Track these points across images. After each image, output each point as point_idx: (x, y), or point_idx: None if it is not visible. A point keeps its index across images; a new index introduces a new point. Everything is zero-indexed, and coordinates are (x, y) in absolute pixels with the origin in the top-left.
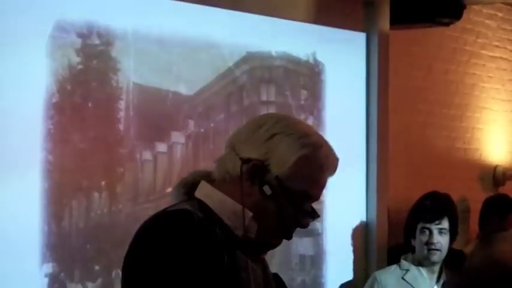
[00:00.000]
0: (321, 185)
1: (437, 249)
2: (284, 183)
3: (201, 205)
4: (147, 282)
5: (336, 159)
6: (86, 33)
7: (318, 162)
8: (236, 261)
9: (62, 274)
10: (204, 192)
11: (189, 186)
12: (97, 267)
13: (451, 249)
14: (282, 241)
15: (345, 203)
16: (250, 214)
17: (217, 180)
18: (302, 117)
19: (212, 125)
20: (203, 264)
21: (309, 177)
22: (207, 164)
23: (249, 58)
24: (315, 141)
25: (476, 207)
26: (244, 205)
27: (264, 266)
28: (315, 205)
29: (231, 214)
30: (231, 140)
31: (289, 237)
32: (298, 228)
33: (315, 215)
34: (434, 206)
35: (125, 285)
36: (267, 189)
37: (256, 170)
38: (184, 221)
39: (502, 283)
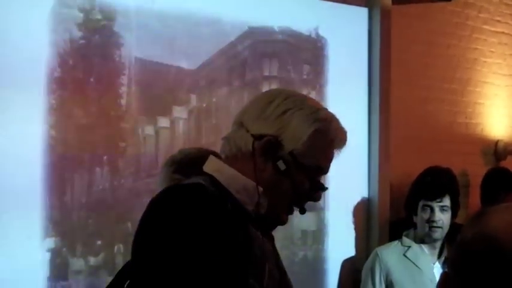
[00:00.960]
0: (331, 159)
1: (439, 227)
2: (298, 158)
3: (212, 180)
4: (163, 255)
5: (345, 133)
6: (88, 8)
7: (329, 136)
8: (249, 235)
9: (64, 249)
10: (214, 167)
11: (178, 164)
12: (99, 242)
13: (453, 224)
14: (288, 218)
15: (347, 178)
16: (261, 189)
17: (227, 157)
18: (304, 92)
19: (214, 99)
20: (218, 236)
21: (321, 151)
22: (209, 139)
23: (251, 33)
24: (325, 116)
25: (477, 181)
26: (257, 181)
27: (273, 241)
28: None
29: (242, 189)
30: (240, 117)
31: (303, 211)
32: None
33: (324, 187)
34: (435, 183)
35: (138, 258)
36: (281, 165)
37: (270, 146)
38: (198, 194)
39: (493, 256)
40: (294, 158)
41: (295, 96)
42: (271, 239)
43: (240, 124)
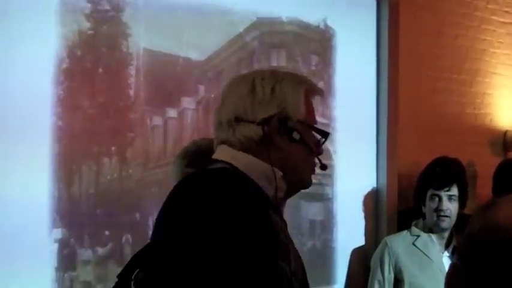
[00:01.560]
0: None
1: (447, 216)
2: (305, 122)
3: (232, 166)
4: (195, 239)
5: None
6: None
7: (314, 90)
8: (272, 219)
9: (72, 239)
10: (230, 155)
11: (191, 157)
12: (107, 233)
13: (462, 215)
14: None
15: (355, 168)
16: (280, 174)
17: (239, 149)
18: None
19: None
20: (248, 220)
21: (313, 108)
22: None
23: (260, 23)
24: (301, 76)
25: (486, 172)
26: (276, 161)
27: (286, 226)
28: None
29: (261, 175)
30: (232, 113)
31: (324, 167)
32: (308, 194)
33: (327, 133)
34: (443, 172)
35: (164, 242)
36: (296, 135)
37: (280, 123)
38: (225, 178)
39: (502, 246)
40: (302, 124)
41: (267, 72)
42: (285, 223)
43: (236, 120)
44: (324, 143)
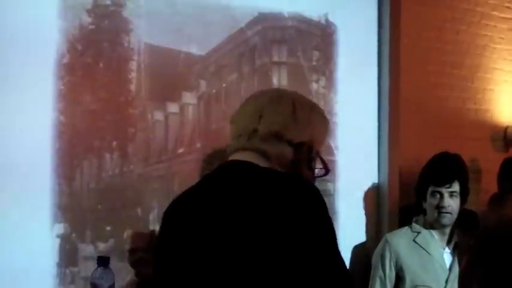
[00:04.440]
0: None
1: (448, 213)
2: (320, 154)
3: None
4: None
5: None
6: None
7: (329, 127)
8: None
9: (74, 234)
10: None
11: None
12: (108, 228)
13: (463, 210)
14: None
15: (357, 164)
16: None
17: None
18: (314, 78)
19: (224, 85)
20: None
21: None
22: (218, 124)
23: (261, 19)
24: (320, 108)
25: (487, 167)
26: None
27: None
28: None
29: None
30: (273, 128)
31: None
32: None
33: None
34: (444, 169)
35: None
36: (314, 165)
37: (308, 152)
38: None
39: None
40: (318, 155)
41: (301, 97)
42: None
43: (273, 135)
44: (322, 176)
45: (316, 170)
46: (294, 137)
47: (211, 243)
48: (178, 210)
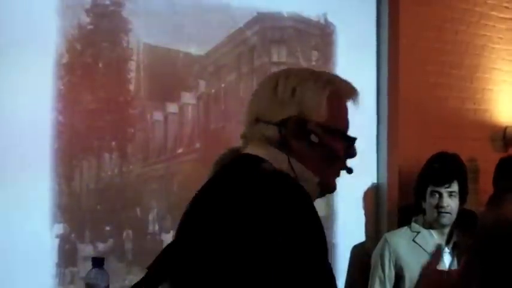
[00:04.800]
0: (347, 113)
1: (447, 212)
2: (326, 125)
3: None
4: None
5: (352, 84)
6: None
7: (341, 93)
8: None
9: (73, 235)
10: (266, 153)
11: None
12: (108, 228)
13: (462, 210)
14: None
15: (356, 164)
16: (317, 180)
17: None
18: None
19: (223, 85)
20: (314, 224)
21: (340, 110)
22: (217, 124)
23: (260, 19)
24: (328, 77)
25: (486, 167)
26: (292, 166)
27: None
28: None
29: (300, 176)
30: (253, 113)
31: (351, 171)
32: None
33: (355, 139)
34: (443, 169)
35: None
36: (313, 138)
37: (297, 126)
38: (288, 181)
39: None
40: (323, 127)
41: (294, 71)
42: None
43: (256, 119)
44: (351, 151)
45: (312, 137)
46: (273, 116)
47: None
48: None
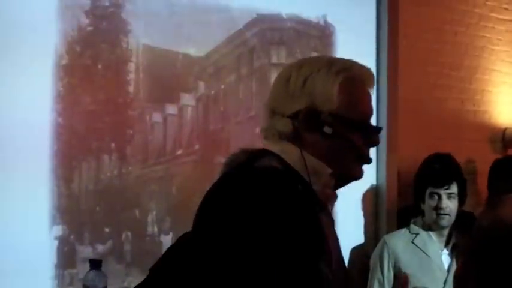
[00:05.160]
0: (369, 99)
1: (446, 214)
2: (340, 115)
3: (280, 160)
4: (234, 237)
5: (368, 69)
6: None
7: (357, 80)
8: (320, 220)
9: (72, 236)
10: (280, 148)
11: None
12: (107, 230)
13: (461, 212)
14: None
15: None
16: (329, 171)
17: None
18: None
19: (222, 86)
20: (292, 223)
21: (357, 98)
22: (217, 126)
23: (260, 20)
24: (343, 64)
25: (485, 169)
26: (304, 159)
27: (334, 224)
28: None
29: (312, 170)
30: (269, 106)
31: (369, 161)
32: None
33: (378, 128)
34: (442, 170)
35: (208, 241)
36: (327, 129)
37: (308, 118)
38: (275, 176)
39: (509, 242)
40: (336, 117)
41: (306, 61)
42: (332, 220)
43: (272, 112)
44: (373, 139)
45: (325, 129)
46: (286, 108)
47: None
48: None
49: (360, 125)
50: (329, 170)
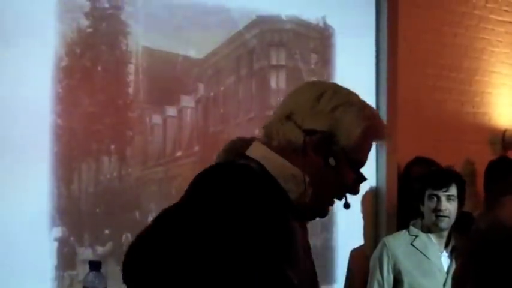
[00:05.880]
0: (370, 151)
1: (446, 216)
2: (349, 154)
3: (259, 166)
4: (198, 232)
5: (386, 128)
6: None
7: (376, 133)
8: (289, 223)
9: (72, 238)
10: (261, 153)
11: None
12: (106, 231)
13: (461, 213)
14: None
15: None
16: (308, 179)
17: (273, 147)
18: None
19: (222, 88)
20: (258, 221)
21: (367, 146)
22: (216, 128)
23: (259, 22)
24: (372, 113)
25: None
26: (304, 171)
27: (307, 231)
28: None
29: (290, 177)
30: (287, 109)
31: (347, 206)
32: None
33: (365, 178)
34: (441, 172)
35: (179, 230)
36: (331, 161)
37: (322, 142)
38: (246, 174)
39: (508, 245)
40: (345, 154)
41: (342, 90)
42: (305, 229)
43: (287, 117)
44: (356, 188)
45: (330, 160)
46: (305, 122)
47: None
48: None
49: (357, 169)
50: (308, 178)
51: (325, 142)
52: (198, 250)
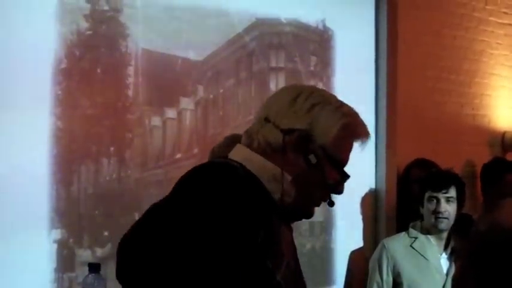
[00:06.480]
0: (351, 151)
1: (445, 218)
2: (328, 151)
3: (242, 166)
4: (181, 229)
5: (367, 127)
6: None
7: (355, 130)
8: (272, 223)
9: (71, 240)
10: (243, 155)
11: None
12: (106, 233)
13: (460, 215)
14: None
15: (354, 169)
16: (290, 178)
17: (254, 150)
18: (312, 83)
19: (221, 90)
20: (239, 219)
21: (346, 144)
22: (216, 130)
23: (259, 24)
24: (351, 111)
25: None
26: (283, 170)
27: (292, 232)
28: None
29: (271, 177)
30: (264, 112)
31: (331, 204)
32: None
33: (348, 176)
34: (441, 174)
35: (164, 229)
36: (312, 158)
37: (301, 140)
38: (227, 172)
39: (507, 247)
40: (324, 152)
41: (320, 91)
42: (290, 230)
43: (265, 119)
44: (340, 187)
45: (311, 157)
46: (283, 122)
47: None
48: None
49: (340, 168)
50: (289, 177)
51: (303, 140)
52: (181, 246)
